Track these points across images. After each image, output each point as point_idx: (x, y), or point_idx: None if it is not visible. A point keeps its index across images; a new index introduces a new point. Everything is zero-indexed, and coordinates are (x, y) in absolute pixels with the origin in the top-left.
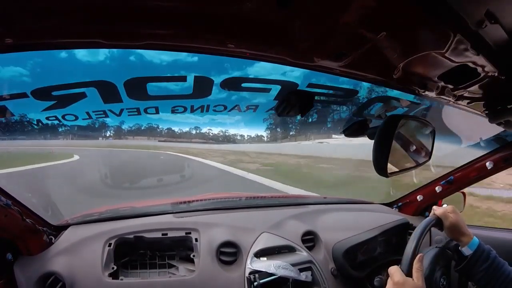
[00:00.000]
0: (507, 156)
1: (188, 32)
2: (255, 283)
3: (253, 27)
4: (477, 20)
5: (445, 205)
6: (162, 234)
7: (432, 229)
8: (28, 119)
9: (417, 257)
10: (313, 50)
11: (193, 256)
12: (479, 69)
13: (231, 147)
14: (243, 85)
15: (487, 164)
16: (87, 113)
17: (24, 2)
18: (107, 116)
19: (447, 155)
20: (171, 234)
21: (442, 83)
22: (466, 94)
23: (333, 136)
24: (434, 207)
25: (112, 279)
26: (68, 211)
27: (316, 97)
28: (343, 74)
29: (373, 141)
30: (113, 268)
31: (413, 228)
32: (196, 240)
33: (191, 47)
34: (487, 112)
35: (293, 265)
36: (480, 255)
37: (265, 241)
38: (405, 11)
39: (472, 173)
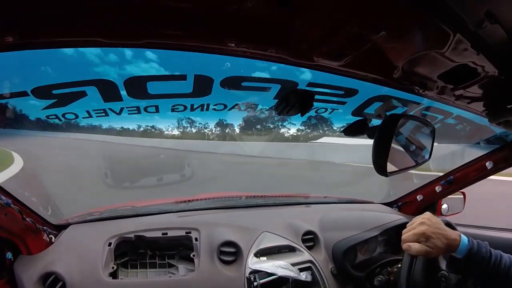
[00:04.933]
0: (507, 156)
1: (188, 31)
2: (255, 283)
3: (254, 26)
4: (477, 20)
5: (412, 245)
6: (162, 234)
7: None
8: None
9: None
10: (313, 49)
11: (193, 255)
12: (479, 69)
13: None
14: (243, 84)
15: (487, 164)
16: (87, 111)
17: (24, 2)
18: (107, 115)
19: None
20: (171, 233)
21: (442, 83)
22: (466, 94)
23: None
24: (404, 246)
25: (112, 278)
26: None
27: (316, 97)
28: (343, 74)
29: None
30: (113, 267)
31: None
32: (196, 239)
33: (191, 46)
34: (487, 112)
35: (293, 265)
36: (473, 257)
37: (265, 240)
38: (405, 11)
39: (472, 173)
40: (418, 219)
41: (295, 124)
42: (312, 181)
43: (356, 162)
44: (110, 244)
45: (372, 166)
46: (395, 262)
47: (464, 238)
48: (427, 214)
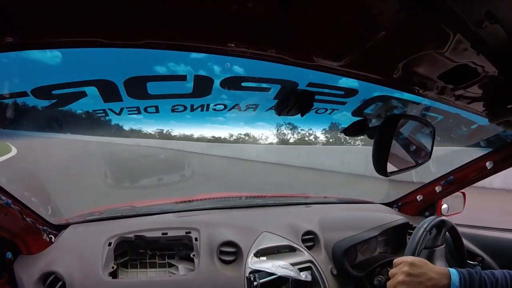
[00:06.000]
0: (507, 156)
1: (188, 31)
2: (255, 283)
3: (254, 27)
4: (477, 20)
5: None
6: (162, 234)
7: None
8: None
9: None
10: (313, 49)
11: (193, 255)
12: (479, 69)
13: None
14: (243, 84)
15: (487, 164)
16: (87, 112)
17: (24, 2)
18: (107, 115)
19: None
20: (171, 233)
21: (442, 83)
22: (466, 94)
23: None
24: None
25: (112, 278)
26: None
27: (316, 97)
28: (343, 74)
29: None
30: (113, 267)
31: (413, 228)
32: (196, 239)
33: (191, 46)
34: (487, 112)
35: (293, 264)
36: None
37: (265, 240)
38: (405, 11)
39: (472, 173)
40: (401, 265)
41: None
42: None
43: None
44: (110, 244)
45: None
46: None
47: (455, 277)
48: (409, 260)
